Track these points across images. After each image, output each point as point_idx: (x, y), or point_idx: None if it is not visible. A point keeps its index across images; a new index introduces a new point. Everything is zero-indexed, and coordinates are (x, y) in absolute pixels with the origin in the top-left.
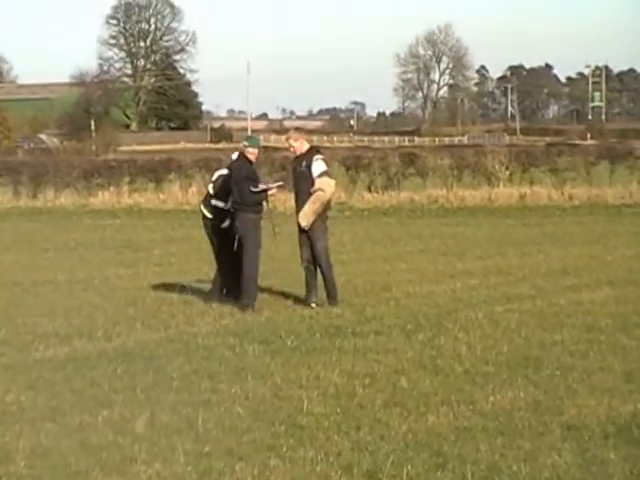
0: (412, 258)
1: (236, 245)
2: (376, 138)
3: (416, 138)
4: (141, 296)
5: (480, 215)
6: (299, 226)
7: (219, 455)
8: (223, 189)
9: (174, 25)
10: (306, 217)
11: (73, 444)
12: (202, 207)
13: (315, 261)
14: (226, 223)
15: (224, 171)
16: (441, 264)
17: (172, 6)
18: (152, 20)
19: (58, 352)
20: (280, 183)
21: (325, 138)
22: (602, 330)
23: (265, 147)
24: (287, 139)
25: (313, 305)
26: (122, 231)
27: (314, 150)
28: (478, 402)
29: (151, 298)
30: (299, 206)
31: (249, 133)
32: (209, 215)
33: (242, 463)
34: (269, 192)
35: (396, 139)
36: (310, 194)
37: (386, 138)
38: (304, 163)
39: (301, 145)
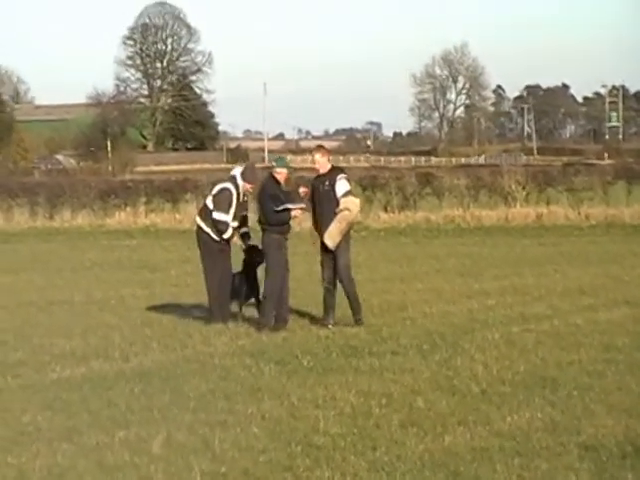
0: (428, 278)
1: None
2: (392, 158)
3: (432, 158)
4: (158, 316)
5: (497, 235)
6: (322, 246)
7: (236, 476)
8: (226, 202)
9: (191, 46)
10: (332, 238)
11: (89, 464)
12: (199, 220)
13: (335, 281)
14: (226, 235)
15: (226, 184)
16: (457, 284)
17: (188, 27)
18: (169, 41)
19: (75, 372)
20: (302, 205)
21: (341, 158)
22: (619, 350)
23: None
24: (313, 154)
25: (330, 326)
26: (138, 251)
27: (337, 169)
28: (495, 422)
29: (167, 318)
30: (322, 225)
31: (265, 154)
32: (207, 229)
33: None
34: (292, 213)
35: (412, 159)
36: (334, 214)
37: (402, 158)
38: (327, 182)
39: (325, 161)
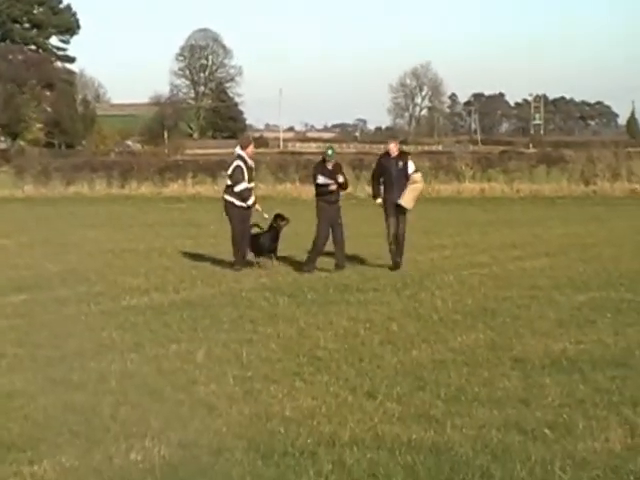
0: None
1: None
2: (375, 146)
3: (404, 146)
4: (201, 260)
5: (451, 204)
6: (391, 210)
7: (258, 379)
8: (240, 175)
9: (226, 61)
10: (408, 202)
11: (151, 370)
12: (227, 196)
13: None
14: (250, 201)
15: (235, 162)
16: (423, 239)
17: (224, 47)
18: (209, 57)
19: (140, 302)
20: (339, 181)
21: (336, 145)
22: (541, 289)
23: (292, 152)
24: (389, 142)
25: (398, 260)
26: (187, 213)
27: (405, 153)
28: (449, 341)
29: (208, 262)
30: (393, 193)
31: (280, 142)
32: (230, 199)
33: (275, 385)
34: (329, 187)
35: None
36: (405, 185)
37: (382, 146)
38: (400, 162)
39: (396, 148)
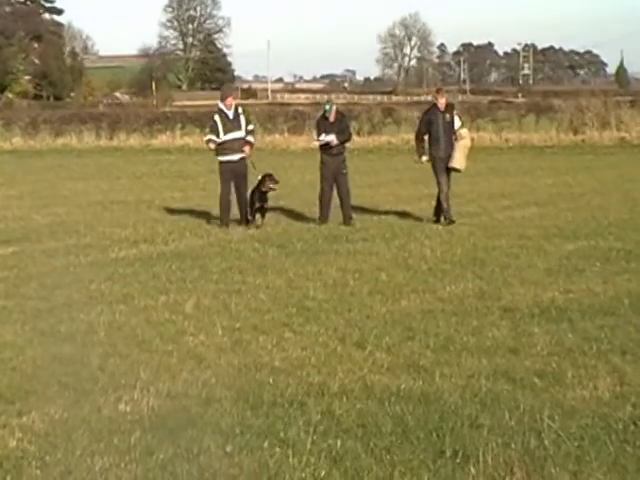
0: (390, 185)
1: None
2: (363, 96)
3: (393, 97)
4: (190, 212)
5: None
6: (439, 166)
7: (247, 329)
8: (212, 127)
9: (214, 12)
10: (461, 163)
11: (140, 321)
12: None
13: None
14: (211, 146)
15: (215, 115)
16: (411, 190)
17: None
18: (198, 8)
19: (128, 253)
20: (331, 137)
21: (325, 96)
22: (530, 238)
23: (281, 103)
24: (437, 93)
25: (454, 218)
26: (176, 164)
27: (452, 106)
28: (438, 291)
29: (197, 214)
30: (441, 149)
31: (269, 93)
32: (218, 156)
33: (264, 335)
34: (331, 143)
35: (378, 97)
36: (452, 139)
37: (371, 97)
38: (448, 115)
39: (444, 101)
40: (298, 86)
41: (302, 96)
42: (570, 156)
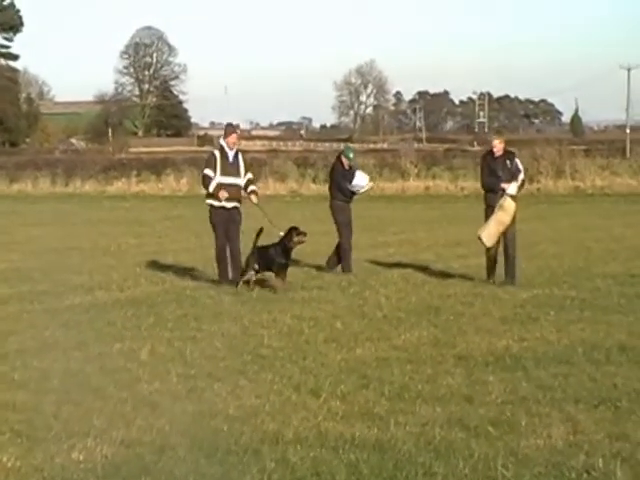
0: None
1: None
2: (320, 144)
3: (349, 144)
4: (145, 259)
5: (396, 201)
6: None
7: (202, 377)
8: (210, 162)
9: (170, 59)
10: (490, 238)
11: (94, 368)
12: (207, 199)
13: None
14: (211, 187)
15: (215, 151)
16: (367, 237)
17: (169, 45)
18: (154, 55)
19: (84, 300)
20: (371, 184)
21: (282, 143)
22: (484, 286)
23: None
24: (493, 139)
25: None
26: (131, 211)
27: (512, 152)
28: (393, 339)
29: (152, 260)
30: (497, 198)
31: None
32: (211, 200)
33: (219, 383)
34: (362, 189)
35: (335, 145)
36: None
37: (327, 144)
38: (508, 162)
39: (502, 147)
40: (254, 133)
41: (259, 143)
42: (525, 205)
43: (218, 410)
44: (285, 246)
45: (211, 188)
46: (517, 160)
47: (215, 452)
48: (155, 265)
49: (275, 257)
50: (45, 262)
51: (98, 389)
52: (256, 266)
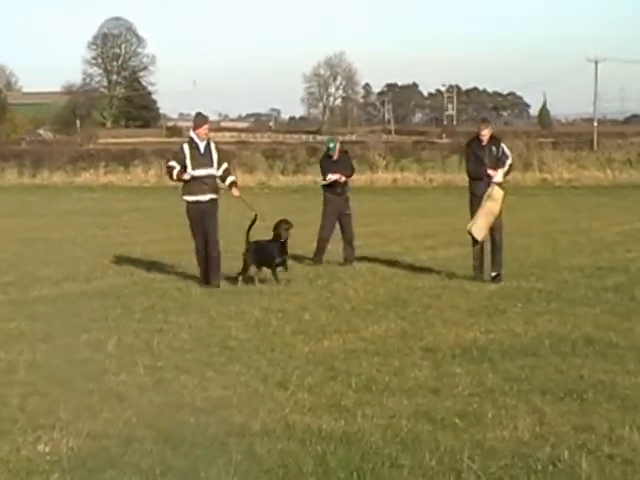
0: (313, 225)
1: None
2: (288, 136)
3: (318, 136)
4: (113, 250)
5: (364, 194)
6: (475, 203)
7: (169, 369)
8: (178, 154)
9: (139, 50)
10: (480, 231)
11: (61, 360)
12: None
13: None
14: (174, 175)
15: (184, 144)
16: (335, 230)
17: (137, 36)
18: (122, 46)
19: (50, 291)
20: (336, 176)
21: (250, 135)
22: (452, 278)
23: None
24: (480, 126)
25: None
26: (99, 202)
27: (496, 139)
28: (361, 331)
29: (120, 251)
30: (483, 186)
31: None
32: (184, 195)
33: (186, 375)
34: (339, 180)
35: (303, 137)
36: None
37: (296, 136)
38: (493, 149)
39: (488, 134)
40: (223, 124)
41: (227, 134)
42: None
43: (185, 402)
44: (282, 243)
45: (187, 177)
46: (503, 145)
47: (182, 444)
48: (123, 257)
49: (275, 255)
50: (12, 253)
51: (64, 381)
52: (278, 259)
